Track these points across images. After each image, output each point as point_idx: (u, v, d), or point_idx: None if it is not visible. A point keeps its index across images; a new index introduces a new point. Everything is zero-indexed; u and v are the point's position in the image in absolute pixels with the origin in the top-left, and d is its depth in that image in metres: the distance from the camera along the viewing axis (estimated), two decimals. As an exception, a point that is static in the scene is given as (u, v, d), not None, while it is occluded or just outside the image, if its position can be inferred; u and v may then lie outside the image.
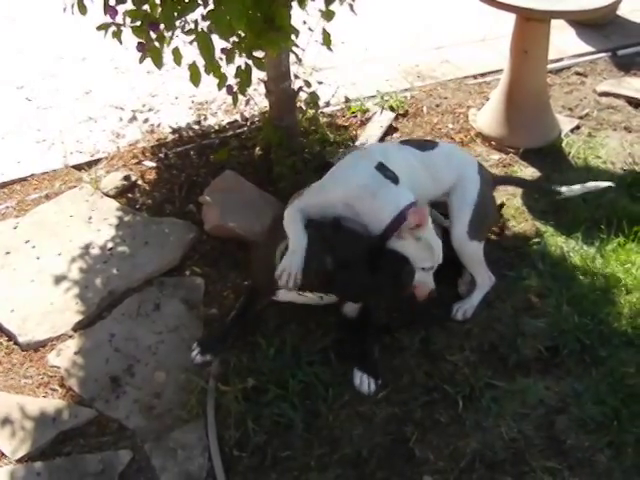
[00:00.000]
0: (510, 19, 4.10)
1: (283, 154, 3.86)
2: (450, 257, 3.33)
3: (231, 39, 3.12)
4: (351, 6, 3.55)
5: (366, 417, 2.81)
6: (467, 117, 4.57)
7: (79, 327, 3.20)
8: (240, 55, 3.26)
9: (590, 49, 5.37)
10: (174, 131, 4.46)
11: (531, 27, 4.01)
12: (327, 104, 4.56)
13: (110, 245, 3.56)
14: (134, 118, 4.61)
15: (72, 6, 3.27)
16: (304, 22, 3.56)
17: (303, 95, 4.07)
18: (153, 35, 3.10)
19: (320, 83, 4.70)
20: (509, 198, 3.78)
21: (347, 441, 2.73)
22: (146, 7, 3.09)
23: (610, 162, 4.14)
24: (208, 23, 3.04)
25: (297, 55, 3.80)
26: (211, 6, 2.96)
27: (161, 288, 3.37)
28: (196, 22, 3.12)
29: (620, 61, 5.23)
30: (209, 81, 3.31)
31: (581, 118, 4.58)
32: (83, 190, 3.92)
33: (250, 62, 3.29)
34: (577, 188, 3.56)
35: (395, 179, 2.91)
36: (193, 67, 3.16)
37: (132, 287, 3.37)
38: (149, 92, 4.88)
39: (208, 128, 4.48)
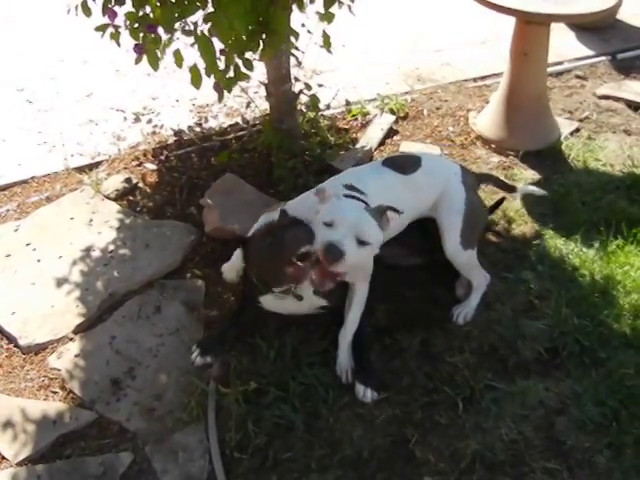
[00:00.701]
0: (510, 22, 4.11)
1: (283, 157, 3.88)
2: (446, 261, 3.35)
3: (224, 41, 3.12)
4: (349, 7, 3.56)
5: (366, 419, 2.82)
6: (467, 120, 4.58)
7: (80, 330, 3.20)
8: (238, 56, 3.27)
9: (590, 52, 5.38)
10: (175, 133, 4.46)
11: (531, 30, 4.02)
12: (327, 107, 4.56)
13: (111, 248, 3.57)
14: (135, 120, 4.62)
15: (76, 8, 3.28)
16: (303, 25, 3.58)
17: (303, 98, 4.08)
18: (150, 36, 3.11)
19: (320, 86, 4.71)
20: (509, 200, 3.78)
21: (348, 442, 2.73)
22: (147, 9, 3.10)
23: (609, 164, 4.15)
24: (208, 25, 3.04)
25: (297, 58, 3.81)
26: (211, 9, 2.97)
27: (162, 290, 3.37)
28: (195, 24, 3.12)
29: (620, 64, 5.24)
30: (210, 84, 3.31)
31: (581, 121, 4.59)
32: (84, 193, 3.93)
33: (240, 62, 3.29)
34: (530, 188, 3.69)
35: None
36: (194, 69, 3.17)
37: (133, 290, 3.38)
38: (150, 95, 4.89)
39: (209, 131, 4.49)
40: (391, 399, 2.89)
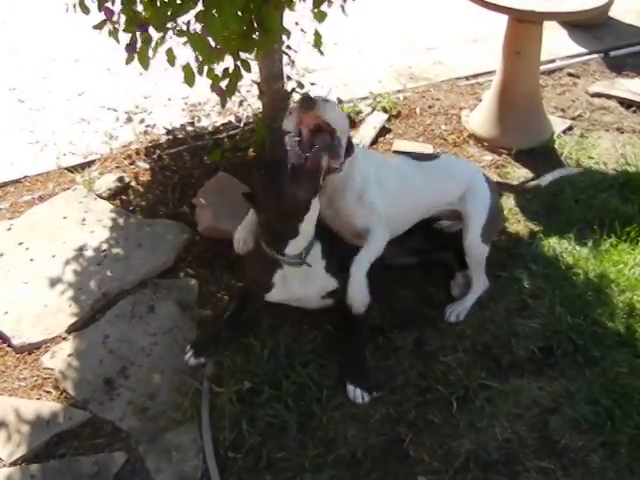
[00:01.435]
0: (502, 20, 4.11)
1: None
2: (442, 259, 3.36)
3: (217, 40, 3.11)
4: (342, 7, 3.55)
5: (360, 418, 2.82)
6: (460, 118, 4.58)
7: (73, 329, 3.19)
8: (224, 58, 3.26)
9: (582, 50, 5.39)
10: (167, 132, 4.46)
11: (524, 28, 4.03)
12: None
13: (104, 247, 3.56)
14: (127, 119, 4.61)
15: (74, 6, 3.27)
16: (296, 23, 3.57)
17: (296, 96, 4.07)
18: (141, 35, 3.11)
19: (313, 84, 4.71)
20: (503, 199, 3.78)
21: (341, 442, 2.73)
22: (140, 8, 3.09)
23: (602, 163, 4.16)
24: (201, 24, 3.04)
25: (290, 56, 3.80)
26: (202, 7, 2.96)
27: (155, 290, 3.37)
28: (188, 23, 3.12)
29: (612, 62, 5.25)
30: (202, 83, 3.31)
31: (573, 119, 4.60)
32: (76, 192, 3.91)
33: (239, 63, 3.29)
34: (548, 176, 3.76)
35: None
36: (187, 68, 3.16)
37: (126, 289, 3.37)
38: (142, 93, 4.87)
39: (201, 129, 4.48)
40: (385, 398, 2.89)
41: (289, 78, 3.99)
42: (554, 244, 3.53)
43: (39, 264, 3.47)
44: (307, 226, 2.81)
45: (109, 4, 3.15)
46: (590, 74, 5.11)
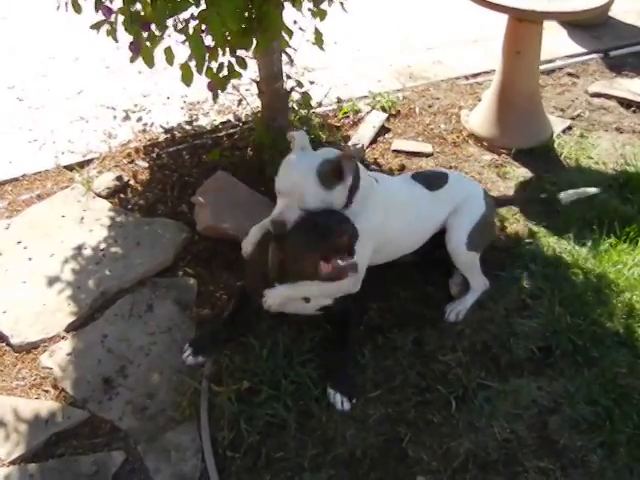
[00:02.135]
0: (502, 20, 4.10)
1: (275, 154, 3.85)
2: (440, 257, 3.35)
3: (217, 37, 3.11)
4: (342, 4, 3.55)
5: (359, 418, 2.81)
6: (459, 118, 4.58)
7: (71, 328, 3.19)
8: (224, 54, 3.26)
9: (582, 50, 5.39)
10: (166, 131, 4.45)
11: (523, 28, 4.02)
12: (319, 104, 4.56)
13: (102, 246, 3.55)
14: (126, 118, 4.60)
15: (66, 4, 3.27)
16: (295, 22, 3.57)
17: (295, 95, 4.07)
18: (145, 34, 3.10)
19: (312, 83, 4.71)
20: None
21: (340, 441, 2.73)
22: (138, 6, 3.09)
23: (602, 163, 4.16)
24: (199, 22, 3.03)
25: (289, 55, 3.80)
26: (203, 6, 2.96)
27: (153, 289, 3.36)
28: (187, 21, 3.11)
29: (612, 62, 5.26)
30: (201, 81, 3.30)
31: (573, 119, 4.60)
32: (75, 190, 3.91)
33: (233, 60, 3.29)
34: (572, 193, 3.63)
35: None
36: (185, 67, 3.16)
37: (124, 288, 3.36)
38: (141, 92, 4.87)
39: (200, 128, 4.48)
40: (384, 398, 2.88)
41: (288, 77, 3.99)
42: (553, 244, 3.53)
43: (37, 263, 3.47)
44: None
45: (107, 2, 3.14)
46: (590, 74, 5.11)
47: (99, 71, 5.09)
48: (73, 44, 5.21)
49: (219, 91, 3.41)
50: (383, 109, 4.63)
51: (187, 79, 3.18)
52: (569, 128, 4.50)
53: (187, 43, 3.10)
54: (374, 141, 4.35)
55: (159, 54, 3.19)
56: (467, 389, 2.88)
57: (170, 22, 3.13)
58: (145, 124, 4.55)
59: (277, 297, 2.96)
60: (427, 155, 4.23)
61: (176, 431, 2.79)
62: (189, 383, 2.93)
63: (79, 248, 3.54)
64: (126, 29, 3.11)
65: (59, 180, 4.04)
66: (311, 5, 3.46)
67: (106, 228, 3.66)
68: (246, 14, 3.01)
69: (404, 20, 5.77)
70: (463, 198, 3.27)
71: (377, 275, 3.07)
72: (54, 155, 4.24)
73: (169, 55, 3.16)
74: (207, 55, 3.17)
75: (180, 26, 3.20)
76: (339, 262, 2.63)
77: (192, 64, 3.14)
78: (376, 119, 4.52)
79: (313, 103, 4.26)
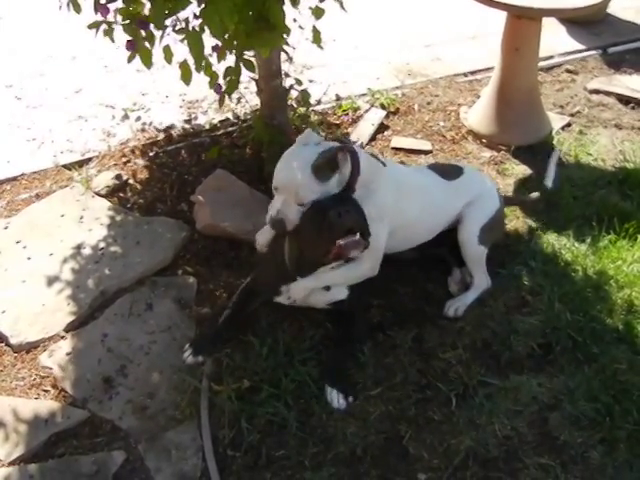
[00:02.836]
0: (501, 17, 4.10)
1: (274, 152, 3.82)
2: (440, 255, 3.35)
3: (217, 37, 3.10)
4: (341, 3, 3.54)
5: (360, 415, 2.81)
6: (458, 115, 4.57)
7: (71, 328, 3.18)
8: (230, 53, 3.25)
9: (581, 47, 5.39)
10: (165, 130, 4.45)
11: (522, 25, 4.02)
12: (318, 102, 4.56)
13: (102, 245, 3.55)
14: (125, 117, 4.59)
15: (67, 4, 3.26)
16: (294, 20, 3.56)
17: (294, 93, 4.06)
18: (143, 34, 3.09)
19: (311, 81, 4.70)
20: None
21: (341, 440, 2.73)
22: (133, 7, 3.08)
23: (601, 159, 4.15)
24: (199, 21, 3.03)
25: (288, 53, 3.80)
26: (202, 4, 2.95)
27: (153, 288, 3.36)
28: (187, 20, 3.10)
29: (610, 59, 5.26)
30: (200, 80, 3.30)
31: (572, 115, 4.59)
32: (74, 190, 3.91)
33: (240, 63, 3.28)
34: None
35: None
36: (184, 65, 3.15)
37: (124, 287, 3.36)
38: (139, 91, 4.87)
39: (199, 127, 4.48)
40: (384, 395, 2.88)
41: (287, 75, 3.98)
42: (553, 241, 3.53)
43: (36, 263, 3.46)
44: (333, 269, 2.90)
45: (104, 1, 3.13)
46: (588, 71, 5.11)
47: (97, 70, 5.09)
48: (71, 43, 5.21)
49: (226, 94, 3.42)
50: (382, 106, 4.63)
51: (186, 78, 3.17)
52: (568, 125, 4.50)
53: (186, 42, 3.09)
54: (373, 138, 4.35)
55: (158, 53, 3.18)
56: (467, 386, 2.88)
57: (169, 22, 3.13)
58: (144, 123, 4.54)
59: (301, 290, 2.98)
60: (426, 152, 4.23)
61: (177, 430, 2.78)
62: (189, 382, 2.92)
63: (78, 247, 3.54)
64: (125, 30, 3.11)
65: (58, 179, 4.04)
66: (310, 3, 3.45)
67: (105, 227, 3.65)
68: (246, 13, 3.00)
69: (403, 17, 5.77)
70: (478, 192, 3.32)
71: (378, 273, 3.06)
72: (53, 154, 4.24)
73: (168, 54, 3.16)
74: (215, 55, 3.18)
75: (179, 26, 3.19)
76: (340, 242, 2.67)
77: (191, 62, 3.14)
78: (375, 117, 4.52)
79: (312, 101, 4.25)
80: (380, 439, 2.74)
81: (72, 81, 4.97)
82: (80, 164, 4.14)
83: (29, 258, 3.49)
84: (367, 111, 4.58)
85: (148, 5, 3.02)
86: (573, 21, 5.57)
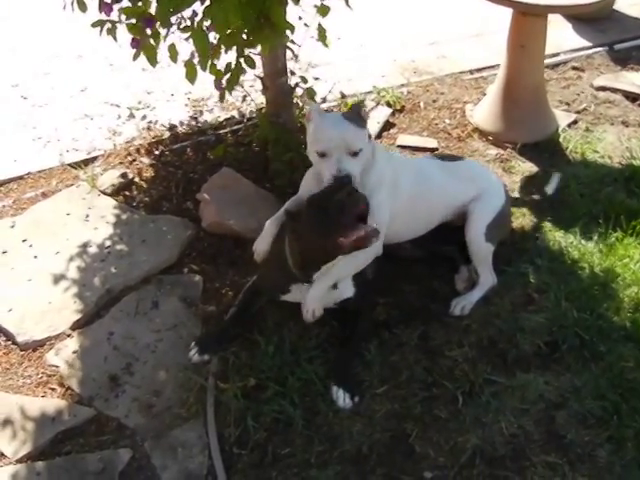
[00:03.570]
0: (506, 14, 4.09)
1: (280, 150, 3.85)
2: (448, 253, 3.35)
3: (220, 35, 3.10)
4: (346, 1, 3.54)
5: (365, 414, 2.81)
6: (464, 112, 4.56)
7: (77, 326, 3.19)
8: (227, 51, 3.25)
9: (587, 44, 5.36)
10: (170, 128, 4.45)
11: (528, 22, 4.01)
12: (324, 100, 4.55)
13: (108, 243, 3.55)
14: (130, 115, 4.60)
15: (72, 3, 3.26)
16: (300, 18, 3.56)
17: (300, 91, 4.06)
18: (148, 32, 3.09)
19: (316, 79, 4.69)
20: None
21: (347, 438, 2.73)
22: (141, 3, 3.08)
23: (608, 156, 4.14)
24: (204, 19, 3.02)
25: (293, 51, 3.79)
26: (207, 2, 2.95)
27: (159, 286, 3.36)
28: (192, 18, 3.10)
29: (617, 55, 5.23)
30: (205, 78, 3.30)
31: (578, 113, 4.58)
32: (80, 188, 3.91)
33: (242, 60, 3.28)
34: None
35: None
36: (189, 64, 3.15)
37: (130, 285, 3.36)
38: (145, 89, 4.87)
39: (204, 125, 4.47)
40: (390, 394, 2.88)
41: (292, 73, 3.98)
42: (559, 238, 3.52)
43: (43, 261, 3.47)
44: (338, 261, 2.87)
45: (108, 0, 3.14)
46: (595, 67, 5.09)
47: (103, 69, 5.09)
48: (76, 42, 5.20)
49: (226, 91, 3.42)
50: (388, 104, 4.63)
51: (191, 76, 3.17)
52: (574, 122, 4.48)
53: (191, 40, 3.09)
54: (379, 136, 4.34)
55: (163, 51, 3.18)
56: (474, 384, 2.87)
57: (173, 20, 3.13)
58: (149, 121, 4.54)
59: (317, 298, 2.96)
60: (432, 150, 4.22)
61: (183, 428, 2.79)
62: (195, 380, 2.93)
63: (84, 246, 3.54)
64: (129, 29, 3.11)
65: (64, 178, 4.04)
66: (315, 1, 3.45)
67: (111, 226, 3.66)
68: (249, 11, 3.00)
69: (408, 15, 5.75)
70: (485, 187, 3.32)
71: (383, 270, 3.06)
72: (58, 153, 4.24)
73: (173, 52, 3.16)
74: (212, 52, 3.18)
75: (184, 24, 3.19)
76: (360, 232, 2.67)
77: (196, 61, 3.14)
78: (381, 114, 4.52)
79: (317, 99, 4.23)
80: (386, 437, 2.73)
81: (77, 80, 4.97)
82: (86, 163, 4.14)
83: (35, 257, 3.50)
84: (373, 109, 4.57)
85: (154, 4, 3.01)
86: (579, 18, 5.55)
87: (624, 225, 3.52)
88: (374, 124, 4.39)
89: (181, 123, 4.50)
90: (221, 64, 3.31)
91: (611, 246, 3.44)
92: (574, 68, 5.07)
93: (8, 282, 3.38)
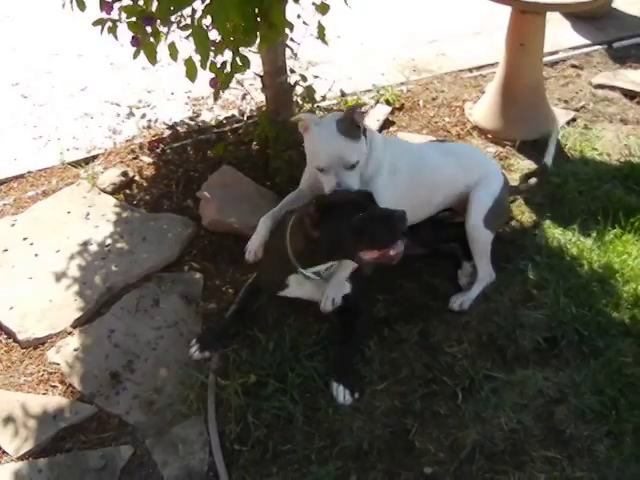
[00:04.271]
0: (506, 12, 4.10)
1: (280, 148, 3.86)
2: (451, 250, 3.36)
3: (221, 32, 3.11)
4: (345, -1, 3.55)
5: (366, 410, 2.82)
6: (463, 110, 4.57)
7: (78, 324, 3.20)
8: (224, 51, 3.26)
9: (586, 42, 5.38)
10: (171, 127, 4.46)
11: (527, 20, 4.02)
12: (323, 98, 4.55)
13: (108, 241, 3.56)
14: (130, 114, 4.61)
15: (71, 2, 3.27)
16: (299, 16, 3.57)
17: (299, 89, 4.07)
18: (148, 30, 3.10)
19: (316, 77, 4.68)
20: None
21: (347, 434, 2.74)
22: (141, 2, 3.09)
23: (606, 154, 4.15)
24: (204, 18, 3.03)
25: (293, 50, 3.80)
26: (207, 0, 2.96)
27: (160, 284, 3.37)
28: (192, 16, 3.11)
29: (615, 53, 5.25)
30: (205, 76, 3.31)
31: (577, 110, 4.59)
32: (80, 187, 3.92)
33: (237, 59, 3.29)
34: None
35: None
36: (189, 62, 3.16)
37: (131, 283, 3.37)
38: (145, 88, 4.88)
39: (205, 123, 4.48)
40: (390, 390, 2.89)
41: (292, 71, 3.99)
42: (558, 235, 3.53)
43: (44, 259, 3.48)
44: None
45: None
46: (593, 65, 5.10)
47: (103, 67, 5.10)
48: (76, 41, 5.22)
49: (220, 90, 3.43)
50: (387, 102, 4.64)
51: (191, 74, 3.18)
52: (573, 120, 4.49)
53: (191, 38, 3.10)
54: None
55: (163, 50, 3.19)
56: (473, 380, 2.89)
57: (173, 18, 3.13)
58: (150, 120, 4.55)
59: (337, 287, 2.98)
60: (431, 148, 4.23)
61: (183, 425, 2.80)
62: (196, 377, 2.94)
63: (85, 244, 3.55)
64: (130, 28, 3.11)
65: (64, 176, 4.05)
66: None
67: (112, 224, 3.67)
68: (249, 9, 3.01)
69: (407, 13, 5.76)
70: (484, 173, 3.34)
71: (383, 267, 3.07)
72: (59, 152, 4.25)
73: (173, 51, 3.17)
74: (212, 49, 3.18)
75: (184, 22, 3.20)
76: (390, 252, 2.70)
77: (196, 59, 3.14)
78: (380, 112, 4.53)
79: (317, 97, 4.24)
80: (386, 433, 2.74)
81: (78, 79, 4.98)
82: (86, 161, 4.16)
83: (36, 255, 3.51)
84: (372, 107, 4.58)
85: (155, 2, 3.03)
86: (578, 16, 5.56)
87: (622, 222, 3.54)
88: (374, 122, 4.40)
89: (181, 122, 4.51)
90: (218, 61, 3.32)
91: (609, 243, 3.45)
92: (573, 66, 5.09)
93: (9, 280, 3.39)
